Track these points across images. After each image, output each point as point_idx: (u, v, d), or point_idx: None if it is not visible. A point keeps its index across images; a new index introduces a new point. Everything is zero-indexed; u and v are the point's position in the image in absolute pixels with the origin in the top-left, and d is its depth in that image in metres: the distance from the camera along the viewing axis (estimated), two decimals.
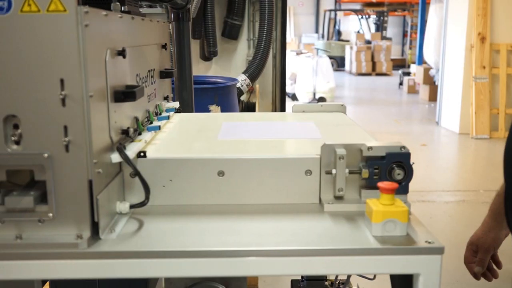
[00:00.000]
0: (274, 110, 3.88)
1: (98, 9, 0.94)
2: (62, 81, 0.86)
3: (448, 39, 7.37)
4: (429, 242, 0.92)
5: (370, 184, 1.09)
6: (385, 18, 20.38)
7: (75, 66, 0.86)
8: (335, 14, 20.28)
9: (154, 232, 0.98)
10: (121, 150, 1.02)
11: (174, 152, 1.16)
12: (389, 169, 1.08)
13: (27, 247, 0.88)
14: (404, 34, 21.53)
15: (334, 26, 20.10)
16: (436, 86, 9.85)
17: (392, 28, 21.46)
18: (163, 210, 1.08)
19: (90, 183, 0.90)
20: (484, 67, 6.62)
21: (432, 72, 9.88)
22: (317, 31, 21.96)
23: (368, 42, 17.72)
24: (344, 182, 1.08)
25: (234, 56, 3.98)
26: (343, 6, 21.57)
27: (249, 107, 3.53)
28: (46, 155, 0.88)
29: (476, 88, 6.66)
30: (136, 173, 1.01)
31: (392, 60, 17.33)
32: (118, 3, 1.17)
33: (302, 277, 1.49)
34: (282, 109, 3.92)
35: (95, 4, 0.95)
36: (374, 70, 16.82)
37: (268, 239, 0.94)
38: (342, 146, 1.10)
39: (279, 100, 3.87)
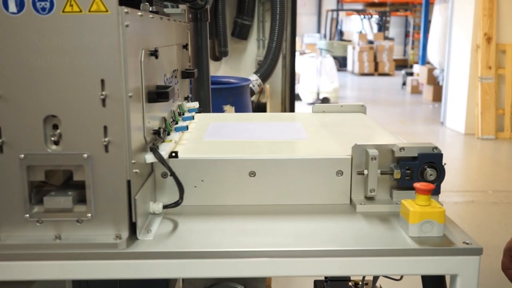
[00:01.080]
0: (284, 110, 3.88)
1: (135, 9, 0.94)
2: (102, 81, 0.86)
3: (454, 39, 7.37)
4: (467, 243, 0.92)
5: (402, 185, 1.09)
6: (387, 18, 20.37)
7: (116, 66, 0.86)
8: (337, 14, 20.27)
9: (189, 232, 0.97)
10: (155, 150, 1.02)
11: (205, 153, 1.16)
12: (421, 169, 1.08)
13: (66, 247, 0.88)
14: (406, 34, 21.50)
15: (336, 26, 20.09)
16: (440, 87, 9.85)
17: (394, 28, 21.45)
18: (194, 211, 1.08)
19: (129, 183, 0.90)
20: (490, 68, 6.62)
21: (436, 72, 9.87)
22: (319, 31, 21.95)
23: (371, 42, 17.71)
24: (376, 183, 1.08)
25: (244, 56, 3.98)
26: (345, 6, 21.57)
27: (259, 107, 3.53)
28: (85, 155, 0.88)
29: (482, 89, 6.66)
30: (171, 174, 1.01)
31: (394, 60, 17.31)
32: (147, 3, 1.17)
33: (326, 277, 1.49)
34: (291, 109, 3.91)
35: (127, 5, 0.95)
36: (376, 70, 16.80)
37: (305, 240, 0.94)
38: (373, 146, 1.10)
39: (289, 100, 3.87)
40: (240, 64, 3.95)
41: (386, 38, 18.68)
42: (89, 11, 0.84)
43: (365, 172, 1.09)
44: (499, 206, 4.05)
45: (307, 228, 1.00)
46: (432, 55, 9.60)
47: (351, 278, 1.48)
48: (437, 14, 9.49)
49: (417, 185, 0.96)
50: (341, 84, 11.45)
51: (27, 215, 0.89)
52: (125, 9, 0.86)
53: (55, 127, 0.88)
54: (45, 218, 0.90)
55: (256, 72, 3.61)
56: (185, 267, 0.89)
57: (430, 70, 10.28)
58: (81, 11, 0.84)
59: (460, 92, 7.12)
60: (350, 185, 1.11)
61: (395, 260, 0.91)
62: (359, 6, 21.10)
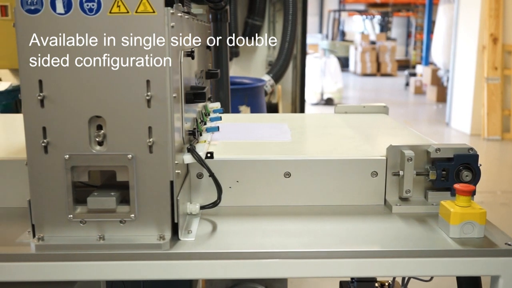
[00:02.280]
0: (294, 111, 3.88)
1: (176, 10, 0.94)
2: (148, 82, 0.86)
3: (459, 40, 7.36)
4: (509, 244, 0.92)
5: (437, 186, 1.09)
6: (390, 19, 20.37)
7: (162, 67, 0.86)
8: (339, 15, 20.27)
9: (229, 233, 0.98)
10: (193, 151, 1.02)
11: (239, 153, 1.16)
12: (456, 170, 1.08)
13: (111, 247, 0.88)
14: (408, 35, 21.49)
15: (338, 27, 20.09)
16: (444, 87, 9.85)
17: (396, 28, 21.44)
18: (230, 211, 1.08)
19: (172, 184, 0.90)
20: (496, 68, 6.61)
21: (440, 73, 9.87)
22: (321, 31, 21.94)
23: (373, 42, 17.71)
24: (412, 184, 1.08)
25: (254, 57, 3.98)
26: (347, 7, 21.55)
27: (271, 108, 3.53)
28: (130, 156, 0.88)
29: (488, 89, 6.66)
30: (210, 174, 1.01)
31: (396, 61, 17.31)
32: (180, 4, 1.17)
33: (352, 278, 1.49)
34: (302, 110, 3.91)
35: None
36: (378, 70, 16.80)
37: (345, 241, 0.95)
38: (409, 147, 1.10)
39: (299, 101, 3.87)
40: (250, 65, 3.95)
41: (388, 38, 18.67)
42: (136, 12, 0.84)
43: (401, 173, 1.09)
44: (509, 207, 4.05)
45: (346, 229, 1.00)
46: (437, 55, 9.60)
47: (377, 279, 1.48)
48: (442, 15, 9.49)
49: (457, 186, 0.96)
50: (343, 85, 11.44)
51: (71, 216, 0.90)
52: (171, 10, 0.86)
53: (99, 127, 0.88)
54: (88, 219, 0.90)
55: (268, 73, 3.62)
56: (228, 268, 0.89)
57: (434, 71, 10.27)
58: (128, 12, 0.84)
59: (466, 92, 7.11)
60: (384, 186, 1.11)
61: (436, 261, 0.91)
62: (361, 7, 21.10)
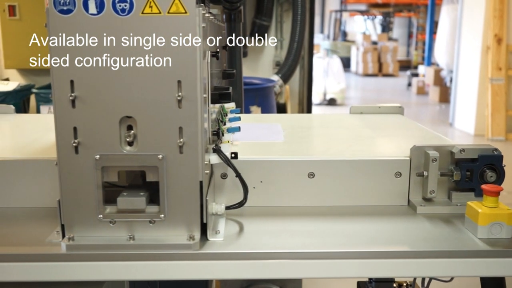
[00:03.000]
0: (302, 111, 3.88)
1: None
2: (179, 82, 0.86)
3: (463, 40, 7.37)
4: None
5: (461, 187, 1.09)
6: (391, 19, 20.37)
7: (193, 67, 0.86)
8: (341, 15, 20.27)
9: (256, 233, 0.98)
10: (219, 151, 1.02)
11: (263, 153, 1.16)
12: (480, 171, 1.08)
13: (141, 247, 0.89)
14: (410, 35, 21.49)
15: (340, 27, 20.10)
16: (447, 88, 9.86)
17: (398, 29, 21.44)
18: (254, 212, 1.08)
19: (201, 184, 0.90)
20: (500, 69, 6.61)
21: (443, 73, 9.87)
22: (322, 32, 21.94)
23: (375, 43, 17.71)
24: (436, 184, 1.08)
25: (262, 57, 3.98)
26: (349, 7, 21.56)
27: (279, 108, 3.53)
28: (160, 156, 0.88)
29: (492, 90, 6.66)
30: (237, 175, 1.01)
31: (398, 61, 17.31)
32: (202, 4, 1.17)
33: (370, 278, 1.50)
34: (309, 110, 3.91)
35: None
36: (380, 71, 16.81)
37: (375, 241, 0.95)
38: (433, 148, 1.10)
39: (306, 101, 3.87)
40: (258, 65, 3.95)
41: (390, 39, 18.68)
42: (168, 12, 0.84)
43: (425, 173, 1.09)
44: None
45: (372, 229, 1.00)
46: (440, 56, 9.60)
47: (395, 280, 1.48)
48: (445, 15, 9.49)
49: (485, 187, 0.96)
50: (345, 85, 11.44)
51: (101, 216, 0.90)
52: (203, 10, 0.86)
53: (129, 128, 0.89)
54: (118, 219, 0.90)
55: (277, 73, 3.62)
56: (258, 268, 0.89)
57: (437, 71, 10.27)
58: (160, 12, 0.84)
59: (470, 93, 7.12)
60: (408, 187, 1.11)
61: (465, 261, 0.91)
62: (363, 7, 21.10)
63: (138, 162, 0.89)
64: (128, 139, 0.89)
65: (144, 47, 0.85)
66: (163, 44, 0.85)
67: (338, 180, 1.11)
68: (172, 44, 0.85)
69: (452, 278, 1.28)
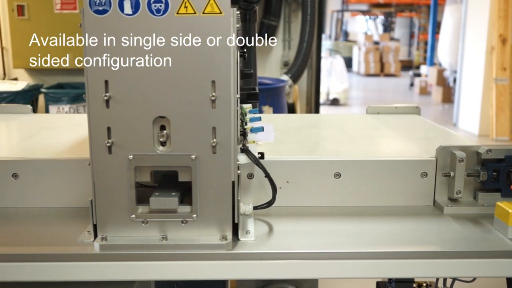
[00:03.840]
0: (309, 111, 3.88)
1: None
2: (213, 82, 0.86)
3: (467, 40, 7.37)
4: None
5: (487, 187, 1.09)
6: (393, 19, 20.37)
7: (227, 68, 0.86)
8: (342, 15, 20.27)
9: (286, 233, 0.98)
10: (248, 151, 1.02)
11: (289, 154, 1.17)
12: (507, 172, 1.08)
13: (174, 247, 0.89)
14: (411, 35, 21.49)
15: (341, 27, 20.10)
16: (450, 88, 9.86)
17: (399, 29, 21.43)
18: (281, 212, 1.08)
19: (233, 184, 0.90)
20: (505, 69, 6.61)
21: (446, 73, 9.87)
22: (324, 32, 21.93)
23: (376, 43, 17.71)
24: (463, 185, 1.09)
25: (269, 57, 3.98)
26: (350, 7, 21.56)
27: (288, 108, 3.52)
28: (193, 156, 0.88)
29: (497, 90, 6.66)
30: (266, 175, 1.01)
31: (400, 61, 17.31)
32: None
33: (390, 278, 1.50)
34: (317, 110, 3.92)
35: None
36: (382, 71, 16.81)
37: (407, 242, 0.95)
38: (459, 148, 1.10)
39: (314, 101, 3.87)
40: (265, 65, 3.95)
41: (391, 39, 18.68)
42: (203, 12, 0.84)
43: (451, 173, 1.09)
44: None
45: (402, 229, 1.00)
46: (443, 56, 9.60)
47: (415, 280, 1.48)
48: (448, 15, 9.49)
49: None
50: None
51: (133, 216, 0.90)
52: (237, 11, 0.86)
53: (162, 127, 0.89)
54: (150, 219, 0.90)
55: (287, 73, 3.62)
56: (290, 268, 0.89)
57: (440, 71, 10.27)
58: (195, 12, 0.84)
59: (474, 93, 7.12)
60: (434, 187, 1.12)
61: (496, 262, 0.91)
62: (364, 7, 21.10)
63: (171, 162, 0.89)
64: (161, 139, 0.89)
65: (179, 47, 0.85)
66: (198, 44, 0.85)
67: (364, 180, 1.11)
68: (206, 44, 0.85)
69: (474, 278, 1.28)
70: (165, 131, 0.88)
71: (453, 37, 9.00)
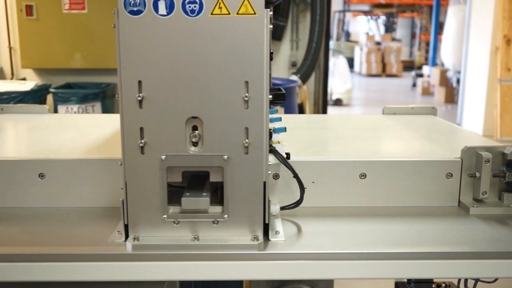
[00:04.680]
0: (317, 111, 3.88)
1: None
2: (247, 83, 0.86)
3: (471, 41, 7.37)
4: None
5: None
6: (394, 19, 20.38)
7: (261, 68, 0.86)
8: (344, 15, 20.28)
9: (314, 234, 0.98)
10: (276, 151, 1.02)
11: (314, 154, 1.17)
12: None
13: (206, 248, 0.89)
14: (413, 36, 21.50)
15: (343, 27, 20.11)
16: (453, 88, 9.86)
17: (400, 29, 21.44)
18: (307, 212, 1.08)
19: (265, 184, 0.91)
20: (509, 69, 6.62)
21: (450, 74, 9.88)
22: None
23: (378, 43, 17.72)
24: (488, 186, 1.09)
25: (277, 57, 3.98)
26: (352, 7, 21.56)
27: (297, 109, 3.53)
28: (226, 156, 0.88)
29: (501, 90, 6.66)
30: (295, 175, 1.01)
31: (401, 61, 17.31)
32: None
33: (409, 279, 1.50)
34: (324, 111, 3.91)
35: None
36: (384, 71, 16.82)
37: (439, 242, 0.95)
38: (485, 149, 1.10)
39: (322, 101, 3.87)
40: (273, 65, 3.95)
41: (393, 39, 18.68)
42: (237, 13, 0.84)
43: (477, 174, 1.09)
44: None
45: (432, 229, 1.00)
46: (446, 56, 9.60)
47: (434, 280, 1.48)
48: (452, 16, 9.49)
49: None
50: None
51: (165, 216, 0.90)
52: (270, 12, 0.86)
53: (194, 128, 0.89)
54: (182, 219, 0.91)
55: (296, 73, 3.62)
56: (322, 268, 0.89)
57: (443, 72, 10.28)
58: (229, 13, 0.84)
59: (478, 94, 7.12)
60: (459, 188, 1.12)
61: None
62: (366, 7, 21.11)
63: (203, 163, 0.89)
64: (193, 140, 0.89)
65: (212, 48, 0.85)
66: (231, 45, 0.85)
67: (389, 180, 1.11)
68: (240, 45, 0.85)
69: (496, 279, 1.28)
70: (197, 132, 0.89)
71: (456, 38, 9.00)
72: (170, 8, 0.83)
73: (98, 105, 3.41)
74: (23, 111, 1.72)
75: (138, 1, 0.83)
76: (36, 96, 3.44)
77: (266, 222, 0.92)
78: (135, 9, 0.83)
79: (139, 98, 0.86)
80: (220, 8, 0.84)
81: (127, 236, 0.92)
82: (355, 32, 20.50)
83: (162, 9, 0.83)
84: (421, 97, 11.78)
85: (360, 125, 1.59)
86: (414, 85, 12.94)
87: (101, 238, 0.94)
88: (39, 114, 1.70)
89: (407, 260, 0.91)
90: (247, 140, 0.88)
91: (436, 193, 1.12)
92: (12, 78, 3.86)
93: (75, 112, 3.38)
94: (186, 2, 0.83)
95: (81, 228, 1.00)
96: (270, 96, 0.90)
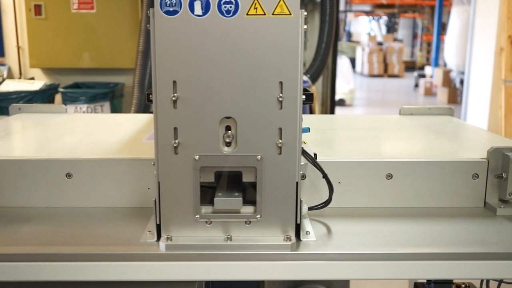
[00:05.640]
0: (325, 112, 3.88)
1: None
2: (281, 83, 0.86)
3: (475, 41, 7.37)
4: None
5: None
6: (396, 20, 20.39)
7: (295, 68, 0.86)
8: (345, 15, 20.29)
9: (344, 234, 0.98)
10: (305, 152, 1.02)
11: (339, 154, 1.17)
12: None
13: (239, 248, 0.89)
14: (414, 36, 21.50)
15: (344, 27, 20.12)
16: (456, 89, 9.87)
17: (402, 29, 21.45)
18: (334, 212, 1.08)
19: (297, 185, 0.91)
20: None
21: (453, 74, 9.88)
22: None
23: (380, 43, 17.73)
24: None
25: None
26: (354, 8, 21.57)
27: None
28: (259, 157, 0.88)
29: (506, 91, 6.65)
30: (324, 175, 1.02)
31: (403, 62, 17.33)
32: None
33: (429, 279, 1.50)
34: (332, 111, 3.91)
35: None
36: (386, 71, 16.83)
37: (466, 243, 0.95)
38: (511, 149, 1.10)
39: (330, 102, 3.87)
40: None
41: (395, 39, 18.69)
42: (273, 14, 0.84)
43: (504, 175, 1.09)
44: None
45: (458, 230, 1.00)
46: (449, 57, 9.61)
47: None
48: (455, 17, 9.49)
49: None
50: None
51: (197, 216, 0.90)
52: (305, 12, 0.86)
53: (227, 128, 0.89)
54: (214, 219, 0.91)
55: (306, 73, 3.61)
56: (355, 269, 0.90)
57: (446, 72, 10.28)
58: (264, 13, 0.84)
59: (482, 94, 7.12)
60: (485, 188, 1.12)
61: None
62: (367, 8, 21.12)
63: (236, 163, 0.89)
64: (226, 140, 0.89)
65: (247, 48, 0.85)
66: (266, 45, 0.85)
67: (415, 181, 1.11)
68: (275, 45, 0.85)
69: None
70: (230, 132, 0.89)
71: (460, 38, 9.00)
72: (206, 8, 0.84)
73: (107, 105, 3.41)
74: (40, 110, 1.72)
75: (174, 2, 0.83)
76: (44, 96, 3.44)
77: (298, 222, 0.92)
78: (171, 9, 0.83)
79: (173, 98, 0.86)
80: (255, 8, 0.84)
81: (159, 236, 0.92)
82: (357, 33, 20.51)
83: (198, 9, 0.84)
84: (424, 97, 11.79)
85: (378, 125, 1.60)
86: (416, 85, 12.95)
87: (132, 238, 0.94)
88: (56, 114, 1.70)
89: (435, 261, 0.91)
90: (280, 141, 0.88)
91: (462, 194, 1.12)
92: (20, 78, 3.86)
93: (83, 112, 3.39)
94: (222, 2, 0.83)
95: (110, 228, 1.00)
96: (304, 96, 0.90)
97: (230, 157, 0.89)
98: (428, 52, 18.15)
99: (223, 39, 0.85)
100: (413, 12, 21.21)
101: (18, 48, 3.89)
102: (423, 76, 12.74)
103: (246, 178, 0.91)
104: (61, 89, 3.52)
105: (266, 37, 0.85)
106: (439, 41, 12.80)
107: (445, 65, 10.81)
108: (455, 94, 10.02)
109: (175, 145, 0.87)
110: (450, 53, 9.59)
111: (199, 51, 0.85)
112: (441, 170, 1.11)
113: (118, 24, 3.46)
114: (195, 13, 0.84)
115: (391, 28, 20.19)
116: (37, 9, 3.62)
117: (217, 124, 0.88)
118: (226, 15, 0.84)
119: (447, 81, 10.31)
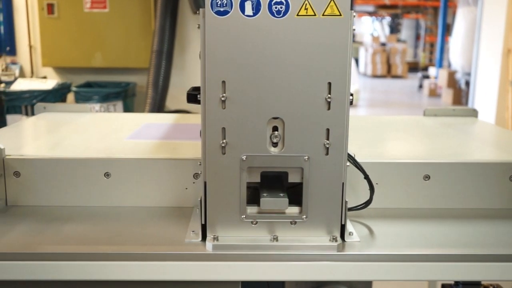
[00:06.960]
0: None
1: None
2: (329, 84, 0.86)
3: (482, 42, 7.37)
4: None
5: None
6: (400, 21, 20.39)
7: (344, 69, 0.86)
8: None
9: (386, 235, 0.98)
10: (347, 153, 1.02)
11: (375, 155, 1.17)
12: None
13: (286, 248, 0.89)
14: (417, 37, 21.50)
15: None
16: (461, 90, 9.86)
17: (405, 30, 21.45)
18: (372, 213, 1.08)
19: (343, 185, 0.91)
20: None
21: (458, 75, 9.88)
22: None
23: (383, 44, 17.73)
24: None
25: None
26: (357, 8, 21.55)
27: None
28: (306, 157, 0.89)
29: None
30: (365, 176, 1.01)
31: (406, 62, 17.33)
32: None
33: (457, 281, 1.50)
34: None
35: None
36: (389, 72, 16.83)
37: (502, 243, 0.95)
38: None
39: None
40: None
41: (398, 40, 18.69)
42: (323, 14, 0.84)
43: None
44: None
45: (497, 231, 1.00)
46: (455, 58, 9.61)
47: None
48: (461, 18, 9.49)
49: None
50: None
51: (243, 216, 0.90)
52: (354, 13, 0.86)
53: (274, 128, 0.89)
54: (260, 219, 0.91)
55: None
56: (398, 270, 0.90)
57: (450, 73, 10.28)
58: (315, 14, 0.84)
59: (489, 96, 7.11)
60: None
61: None
62: (370, 8, 21.12)
63: (282, 163, 0.89)
64: (274, 140, 0.89)
65: (297, 49, 0.85)
66: (316, 46, 0.85)
67: (453, 182, 1.11)
68: (324, 46, 0.85)
69: None
70: (277, 132, 0.89)
71: (465, 39, 9.00)
72: (256, 8, 0.84)
73: (119, 104, 3.41)
74: (64, 109, 1.72)
75: (225, 2, 0.83)
76: (57, 95, 3.44)
77: (343, 223, 0.92)
78: (221, 9, 0.83)
79: (222, 99, 0.86)
80: (306, 9, 0.84)
81: (203, 236, 0.92)
82: (360, 33, 20.50)
83: (248, 9, 0.84)
84: (428, 98, 11.78)
85: (405, 126, 1.60)
86: (420, 86, 12.95)
87: (175, 238, 0.94)
88: (81, 113, 1.70)
89: (474, 262, 0.90)
90: (327, 141, 0.88)
91: (498, 195, 1.12)
92: (31, 77, 3.86)
93: (96, 111, 3.39)
94: (272, 2, 0.83)
95: (151, 227, 1.00)
96: (351, 98, 0.90)
97: (277, 157, 0.89)
98: (431, 53, 18.16)
99: (273, 39, 0.85)
100: (416, 13, 21.20)
101: (30, 47, 3.89)
102: (427, 77, 12.74)
103: (292, 178, 0.91)
104: (74, 88, 3.52)
105: (316, 37, 0.85)
106: (444, 42, 12.80)
107: (449, 66, 10.81)
108: (460, 95, 10.01)
109: (223, 145, 0.88)
110: (456, 54, 9.58)
111: (249, 51, 0.85)
112: (478, 171, 1.11)
113: (130, 23, 3.46)
114: (246, 13, 0.84)
115: (394, 28, 20.20)
116: (50, 8, 3.62)
117: (265, 125, 0.88)
118: (277, 15, 0.84)
119: (452, 82, 10.30)
